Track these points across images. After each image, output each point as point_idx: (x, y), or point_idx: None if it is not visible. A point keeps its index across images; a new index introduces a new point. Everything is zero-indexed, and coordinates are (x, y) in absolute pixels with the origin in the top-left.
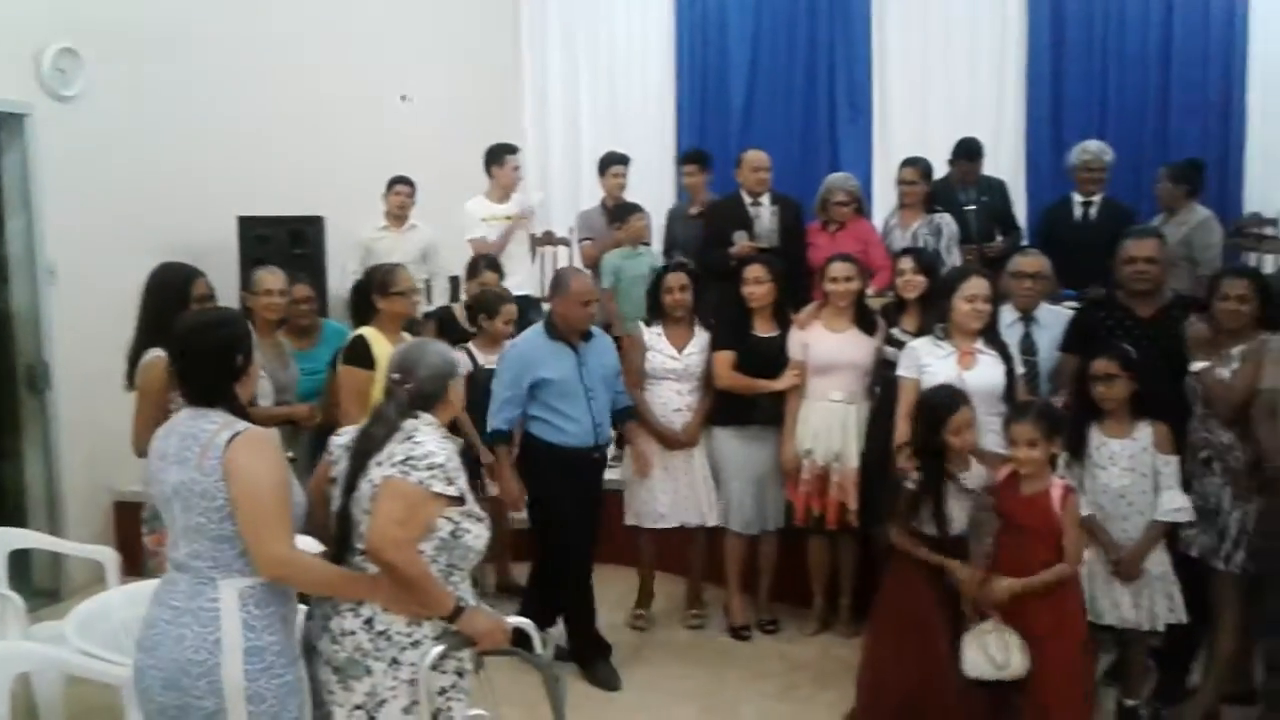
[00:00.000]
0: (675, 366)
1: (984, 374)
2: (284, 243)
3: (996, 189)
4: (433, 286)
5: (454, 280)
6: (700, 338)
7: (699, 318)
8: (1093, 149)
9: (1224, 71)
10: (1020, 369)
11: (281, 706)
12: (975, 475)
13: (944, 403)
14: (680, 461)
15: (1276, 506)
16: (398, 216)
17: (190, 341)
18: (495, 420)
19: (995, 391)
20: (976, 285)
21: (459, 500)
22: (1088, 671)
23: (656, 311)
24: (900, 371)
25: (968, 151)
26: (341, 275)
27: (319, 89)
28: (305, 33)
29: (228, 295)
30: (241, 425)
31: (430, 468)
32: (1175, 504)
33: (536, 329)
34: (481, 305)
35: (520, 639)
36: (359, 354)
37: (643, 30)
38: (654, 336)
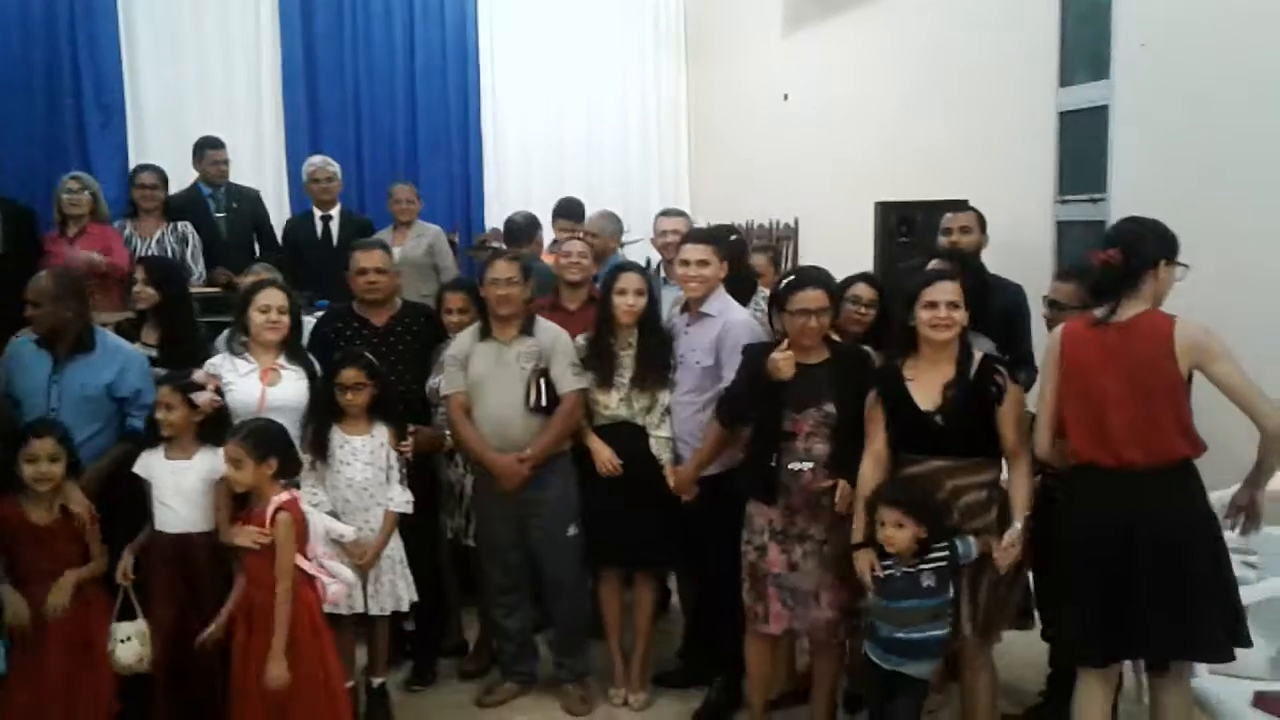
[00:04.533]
0: None
1: (288, 389)
2: None
3: (250, 198)
4: None
5: None
6: None
7: None
8: (316, 162)
9: (461, 104)
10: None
11: None
12: (201, 463)
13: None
14: None
15: (479, 488)
16: None
17: None
18: None
19: (300, 406)
20: (269, 296)
21: None
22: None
23: None
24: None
25: (210, 143)
26: None
27: None
28: None
29: None
30: None
31: None
32: (405, 496)
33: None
34: None
35: None
36: None
37: None
38: None
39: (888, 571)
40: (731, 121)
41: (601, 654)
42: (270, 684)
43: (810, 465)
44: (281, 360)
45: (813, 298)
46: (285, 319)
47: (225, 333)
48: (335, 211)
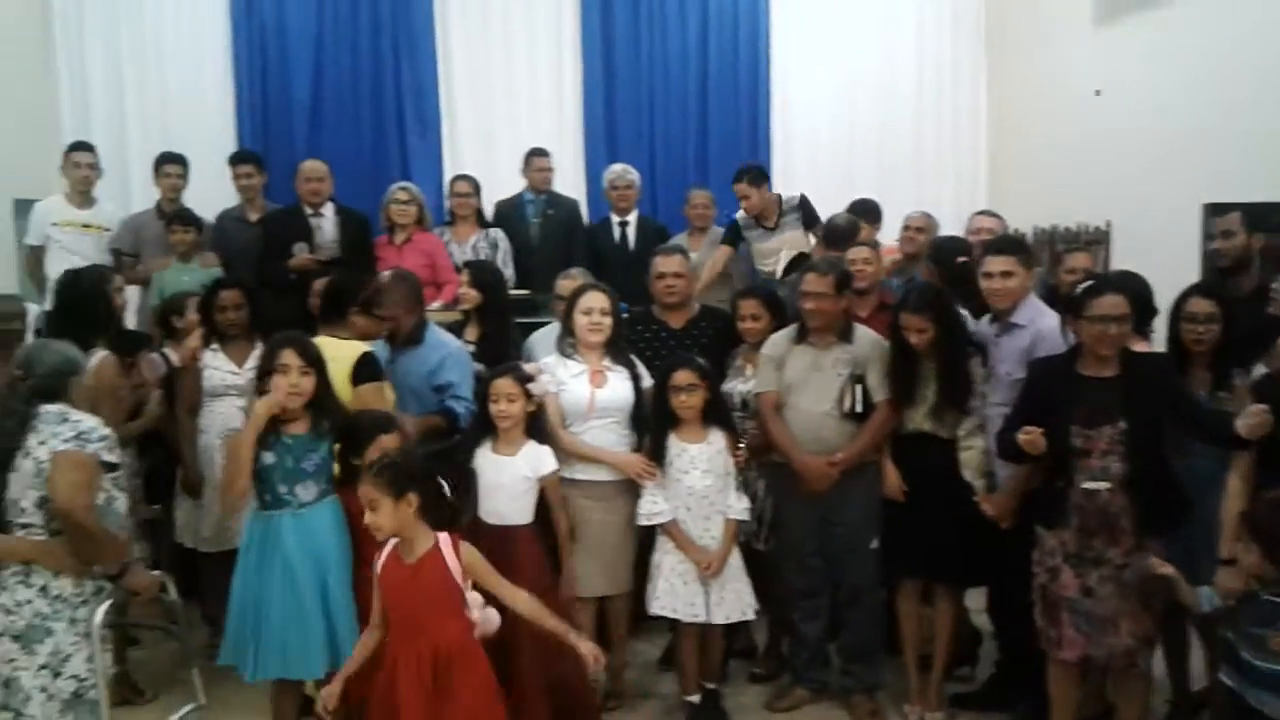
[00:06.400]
0: (237, 382)
1: (615, 391)
2: None
3: (567, 206)
4: None
5: None
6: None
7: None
8: (617, 169)
9: (751, 109)
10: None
11: None
12: (525, 459)
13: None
14: None
15: (781, 491)
16: None
17: None
18: None
19: (626, 408)
20: (592, 299)
21: (114, 468)
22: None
23: (211, 329)
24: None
25: (536, 151)
26: None
27: None
28: None
29: None
30: None
31: (101, 439)
32: (743, 504)
33: None
34: (172, 306)
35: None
36: (375, 369)
37: (193, 19)
38: (210, 354)
39: (1256, 593)
40: (1036, 118)
41: (896, 669)
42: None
43: (1107, 485)
44: (606, 362)
45: (1112, 303)
46: (608, 320)
47: (536, 333)
48: (632, 218)
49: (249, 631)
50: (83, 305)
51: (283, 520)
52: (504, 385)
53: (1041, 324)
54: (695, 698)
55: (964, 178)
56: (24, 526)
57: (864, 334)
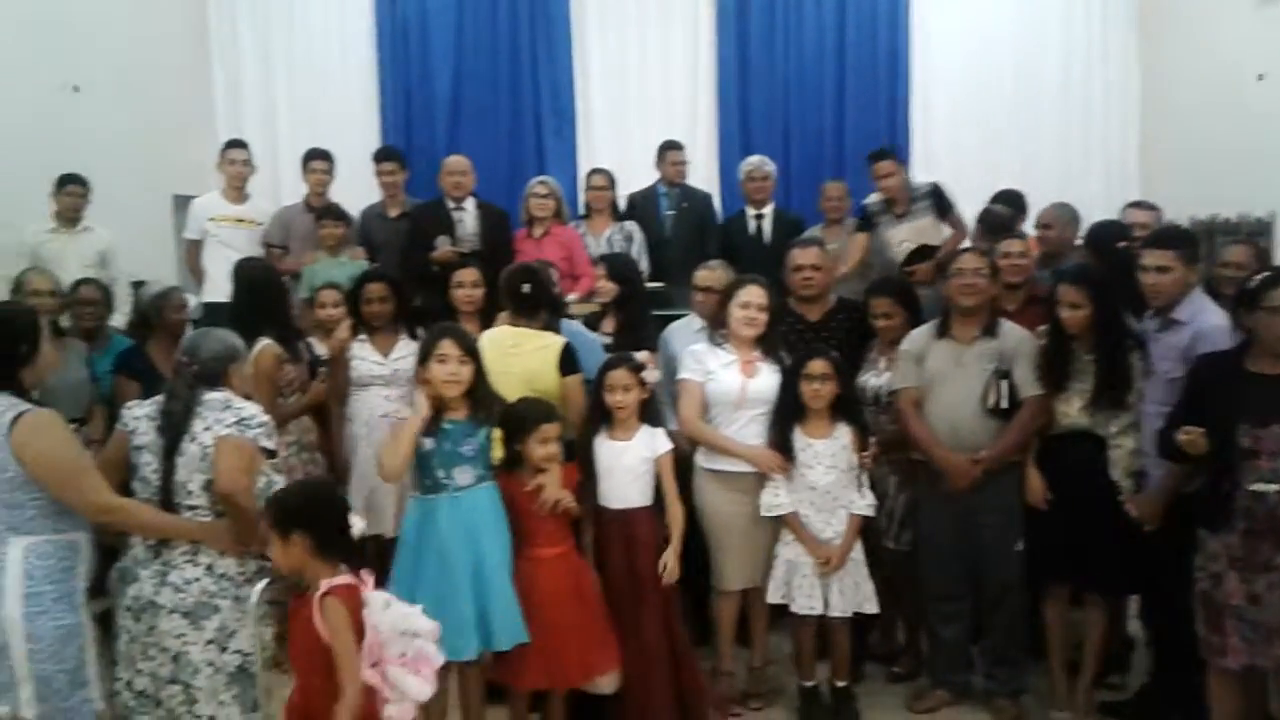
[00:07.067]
0: (382, 372)
1: (765, 382)
2: None
3: (700, 199)
4: (113, 294)
5: (136, 285)
6: (407, 342)
7: (405, 322)
8: (754, 161)
9: (890, 98)
10: None
11: (60, 646)
12: (641, 443)
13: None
14: None
15: (921, 490)
16: (69, 218)
17: None
18: None
19: (774, 400)
20: (751, 293)
21: (273, 454)
22: None
23: (358, 320)
24: (685, 375)
25: (671, 144)
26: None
27: None
28: None
29: None
30: (25, 406)
31: (260, 425)
32: (868, 500)
33: None
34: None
35: None
36: (577, 360)
37: (340, 22)
38: (358, 344)
39: None
40: (1192, 103)
41: (1040, 672)
42: None
43: (1277, 488)
44: (757, 354)
45: None
46: (763, 316)
47: (672, 325)
48: (768, 210)
49: None
50: (260, 294)
51: (439, 504)
52: (620, 376)
53: (1203, 322)
54: (810, 683)
55: (1113, 167)
56: (191, 508)
57: (1010, 328)
